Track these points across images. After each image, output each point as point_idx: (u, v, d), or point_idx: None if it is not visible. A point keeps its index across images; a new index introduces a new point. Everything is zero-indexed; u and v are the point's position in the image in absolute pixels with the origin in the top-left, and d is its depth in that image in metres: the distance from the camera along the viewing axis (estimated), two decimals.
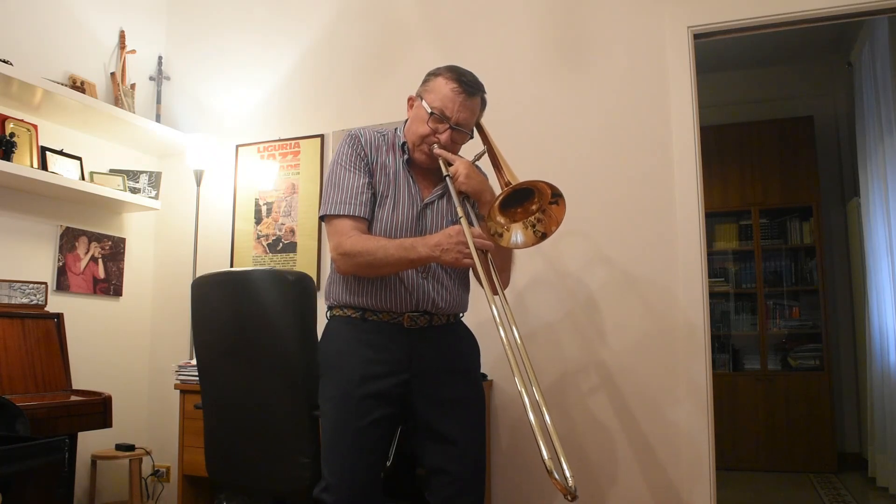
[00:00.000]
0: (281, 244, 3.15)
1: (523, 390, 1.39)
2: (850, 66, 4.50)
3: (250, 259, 3.21)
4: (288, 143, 3.20)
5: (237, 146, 3.32)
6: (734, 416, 4.54)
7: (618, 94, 2.66)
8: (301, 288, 1.91)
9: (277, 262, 3.14)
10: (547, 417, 1.40)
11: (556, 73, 2.77)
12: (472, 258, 1.54)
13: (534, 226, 1.62)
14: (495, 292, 1.58)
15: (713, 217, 4.76)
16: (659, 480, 2.43)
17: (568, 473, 1.30)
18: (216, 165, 3.33)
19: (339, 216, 1.73)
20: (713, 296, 4.57)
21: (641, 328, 2.53)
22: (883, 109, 3.73)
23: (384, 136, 1.85)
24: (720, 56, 4.56)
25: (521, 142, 2.75)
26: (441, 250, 1.59)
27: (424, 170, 1.82)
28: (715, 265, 4.91)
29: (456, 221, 1.77)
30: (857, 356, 4.60)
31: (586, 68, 2.73)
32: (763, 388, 4.60)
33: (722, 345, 4.84)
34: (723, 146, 4.75)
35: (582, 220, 2.61)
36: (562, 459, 1.31)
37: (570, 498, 1.28)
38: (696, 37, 2.59)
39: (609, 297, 2.58)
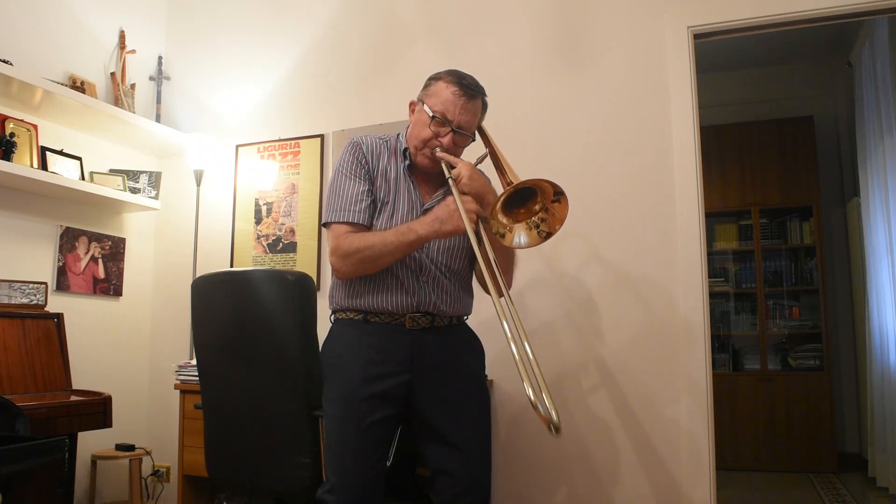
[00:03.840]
0: (281, 244, 3.15)
1: (505, 323, 1.44)
2: (850, 66, 4.50)
3: (250, 259, 3.21)
4: (288, 143, 3.20)
5: (237, 146, 3.32)
6: (734, 416, 4.54)
7: (618, 93, 2.66)
8: (301, 288, 1.91)
9: (277, 262, 3.14)
10: (529, 351, 1.44)
11: (556, 73, 2.77)
12: (465, 225, 1.58)
13: (537, 226, 1.63)
14: (500, 294, 1.58)
15: (713, 217, 4.76)
16: (659, 480, 2.43)
17: (550, 406, 1.33)
18: (216, 165, 3.33)
19: (338, 223, 1.75)
20: (713, 296, 4.57)
21: (641, 328, 2.52)
22: (883, 109, 3.73)
23: (386, 142, 1.86)
24: (720, 56, 4.56)
25: (520, 142, 2.75)
26: (440, 222, 1.62)
27: (426, 175, 1.83)
28: (715, 265, 4.91)
29: None
30: (857, 356, 4.60)
31: (586, 68, 2.73)
32: (763, 388, 4.60)
33: (722, 345, 4.83)
34: (723, 146, 4.75)
35: (582, 220, 2.61)
36: (544, 395, 1.34)
37: (553, 430, 1.31)
38: (696, 37, 2.59)
39: (609, 298, 2.58)
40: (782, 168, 4.73)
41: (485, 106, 1.82)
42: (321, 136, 3.14)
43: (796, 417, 4.47)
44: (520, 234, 1.63)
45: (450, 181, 1.71)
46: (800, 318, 4.74)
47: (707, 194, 2.65)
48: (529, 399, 1.31)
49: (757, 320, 4.78)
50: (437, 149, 1.75)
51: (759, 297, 4.77)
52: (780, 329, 4.77)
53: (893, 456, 3.64)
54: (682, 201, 2.52)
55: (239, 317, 1.99)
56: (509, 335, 1.44)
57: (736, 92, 4.95)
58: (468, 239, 1.67)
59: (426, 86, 1.81)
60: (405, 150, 1.83)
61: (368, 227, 1.76)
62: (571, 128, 2.71)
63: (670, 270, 2.51)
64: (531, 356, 1.46)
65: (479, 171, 1.83)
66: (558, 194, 1.59)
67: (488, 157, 1.83)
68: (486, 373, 2.49)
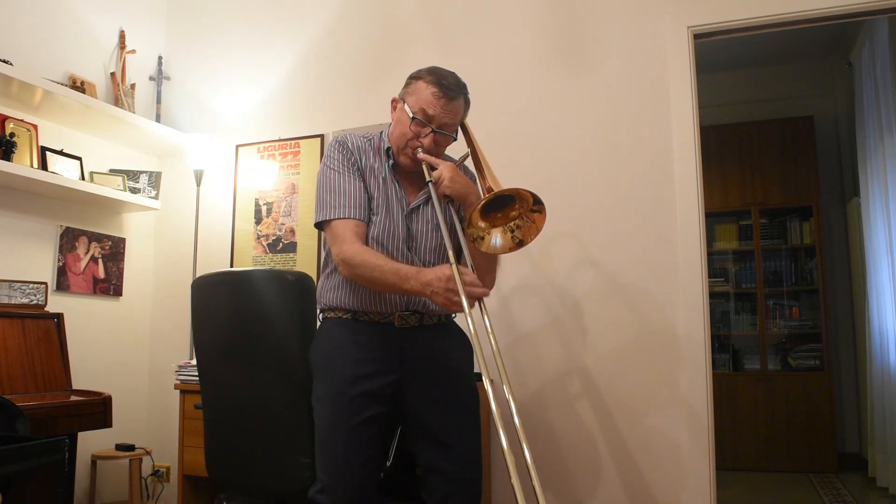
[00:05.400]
0: (281, 244, 3.15)
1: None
2: (850, 66, 4.50)
3: (250, 259, 3.21)
4: (288, 143, 3.20)
5: (237, 146, 3.32)
6: (734, 416, 4.54)
7: (618, 94, 2.66)
8: (301, 288, 1.92)
9: (277, 262, 3.14)
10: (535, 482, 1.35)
11: (556, 74, 2.77)
12: (461, 306, 1.50)
13: (512, 231, 1.61)
14: (472, 304, 1.54)
15: (713, 217, 4.75)
16: (659, 481, 2.43)
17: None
18: (216, 165, 3.33)
19: (337, 220, 1.72)
20: (713, 296, 4.56)
21: (642, 329, 2.52)
22: (883, 109, 3.73)
23: (370, 140, 1.84)
24: (720, 56, 4.56)
25: (520, 142, 2.75)
26: (431, 291, 1.55)
27: (409, 174, 1.81)
28: (715, 265, 4.91)
29: (438, 226, 1.76)
30: (857, 356, 4.60)
31: (586, 68, 2.73)
32: (763, 388, 4.60)
33: (722, 345, 4.83)
34: (723, 146, 4.75)
35: (582, 220, 2.61)
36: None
37: None
38: (696, 37, 2.59)
39: (608, 299, 2.58)
40: (782, 168, 4.73)
41: (467, 104, 1.80)
42: (321, 136, 3.14)
43: (796, 417, 4.47)
44: (496, 237, 1.61)
45: (429, 185, 1.70)
46: (800, 318, 4.74)
47: (707, 194, 2.65)
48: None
49: (757, 320, 4.78)
50: (419, 150, 1.73)
51: (759, 297, 4.77)
52: (780, 329, 4.77)
53: (893, 456, 3.64)
54: (682, 201, 2.52)
55: (239, 317, 1.99)
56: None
57: (736, 92, 4.95)
58: (456, 238, 1.68)
59: (407, 84, 1.79)
60: (388, 149, 1.81)
61: (367, 224, 1.75)
62: (571, 128, 2.71)
63: (670, 271, 2.51)
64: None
65: (464, 167, 1.82)
66: (538, 204, 1.57)
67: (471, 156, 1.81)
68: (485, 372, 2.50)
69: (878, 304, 3.88)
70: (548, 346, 2.63)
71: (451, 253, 1.60)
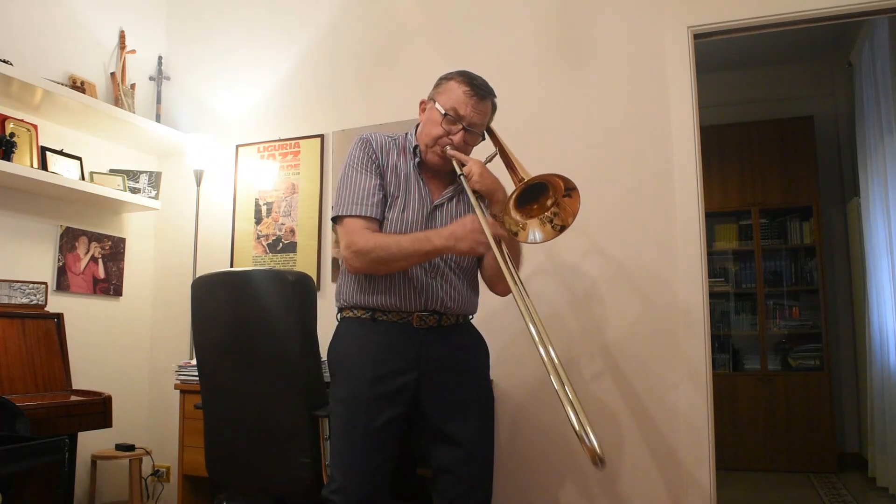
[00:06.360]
0: (281, 244, 3.15)
1: (550, 368, 1.41)
2: (850, 66, 4.50)
3: (250, 259, 3.21)
4: (288, 143, 3.20)
5: (237, 146, 3.32)
6: (734, 416, 4.54)
7: (618, 93, 2.66)
8: (301, 288, 1.92)
9: (277, 262, 3.14)
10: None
11: (557, 73, 2.77)
12: (486, 245, 1.57)
13: (551, 220, 1.64)
14: (515, 282, 1.58)
15: (713, 217, 4.75)
16: (659, 481, 2.43)
17: (595, 441, 1.31)
18: (216, 165, 3.33)
19: (350, 216, 1.75)
20: (713, 296, 4.57)
21: (641, 327, 2.52)
22: (883, 109, 3.73)
23: (395, 139, 1.87)
24: (720, 56, 4.56)
25: (520, 142, 2.72)
26: (456, 239, 1.62)
27: (435, 172, 1.84)
28: (715, 265, 4.91)
29: None
30: (857, 356, 4.60)
31: (586, 68, 2.73)
32: (763, 388, 4.60)
33: (722, 345, 4.83)
34: (723, 146, 4.75)
35: (581, 222, 2.57)
36: (587, 429, 1.32)
37: (599, 464, 1.30)
38: (696, 37, 2.59)
39: (608, 298, 2.58)
40: (782, 168, 4.73)
41: (494, 107, 1.84)
42: (321, 136, 3.14)
43: (796, 417, 4.47)
44: (534, 231, 1.64)
45: (461, 178, 1.72)
46: (800, 318, 4.74)
47: (707, 194, 2.65)
48: (574, 428, 1.30)
49: (757, 320, 4.78)
50: (448, 146, 1.76)
51: (759, 297, 4.77)
52: (780, 329, 4.77)
53: (893, 456, 3.64)
54: (682, 201, 2.51)
55: (239, 317, 1.99)
56: (536, 339, 1.44)
57: (736, 92, 4.95)
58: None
59: (437, 85, 1.84)
60: (415, 147, 1.84)
61: (381, 222, 1.77)
62: (571, 128, 2.71)
63: (670, 271, 2.51)
64: (557, 360, 1.43)
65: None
66: (570, 189, 1.60)
67: (497, 157, 1.83)
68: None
69: (878, 304, 3.88)
70: (564, 329, 2.62)
71: (472, 198, 1.65)
